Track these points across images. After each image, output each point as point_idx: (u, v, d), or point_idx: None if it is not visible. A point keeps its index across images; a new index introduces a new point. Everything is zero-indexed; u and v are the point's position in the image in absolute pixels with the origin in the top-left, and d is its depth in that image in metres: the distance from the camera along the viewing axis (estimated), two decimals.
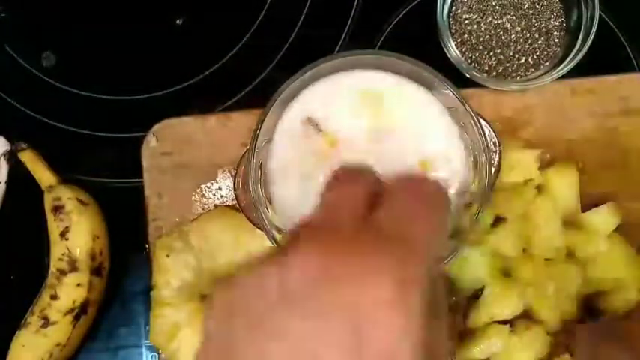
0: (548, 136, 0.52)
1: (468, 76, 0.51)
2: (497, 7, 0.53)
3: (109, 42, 0.57)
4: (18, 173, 0.52)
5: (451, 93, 0.41)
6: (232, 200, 0.51)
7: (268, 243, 0.41)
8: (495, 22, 0.53)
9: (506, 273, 0.49)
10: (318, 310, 0.21)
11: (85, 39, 0.57)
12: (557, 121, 0.52)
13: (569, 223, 0.49)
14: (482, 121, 0.42)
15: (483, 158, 0.41)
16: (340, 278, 0.22)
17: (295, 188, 0.41)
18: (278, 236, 0.41)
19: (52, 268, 0.50)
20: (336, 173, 0.28)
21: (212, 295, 0.24)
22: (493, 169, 0.42)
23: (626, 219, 0.50)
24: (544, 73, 0.52)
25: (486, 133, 0.42)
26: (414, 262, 0.23)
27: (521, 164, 0.49)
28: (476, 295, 0.49)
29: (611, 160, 0.52)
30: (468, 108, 0.41)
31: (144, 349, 0.53)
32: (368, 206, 0.26)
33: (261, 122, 0.41)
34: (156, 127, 0.52)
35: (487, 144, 0.41)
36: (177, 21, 0.57)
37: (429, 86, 0.42)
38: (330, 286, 0.22)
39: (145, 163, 0.52)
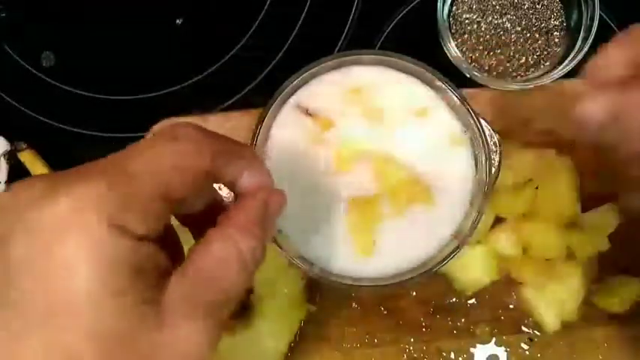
0: (548, 136, 0.52)
1: (468, 76, 0.51)
2: (497, 7, 0.53)
3: (108, 42, 0.57)
4: (18, 173, 0.52)
5: (451, 93, 0.41)
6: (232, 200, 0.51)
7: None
8: (495, 22, 0.53)
9: (506, 273, 0.49)
10: None
11: (85, 39, 0.57)
12: (557, 121, 0.52)
13: (569, 223, 0.49)
14: (482, 121, 0.42)
15: (483, 158, 0.41)
16: None
17: (292, 181, 0.41)
18: (278, 236, 0.41)
19: None
20: None
21: None
22: (493, 169, 0.42)
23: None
24: (544, 73, 0.52)
25: (486, 133, 0.42)
26: None
27: (521, 164, 0.49)
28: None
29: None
30: (468, 108, 0.41)
31: None
32: None
33: (261, 122, 0.41)
34: (156, 127, 0.52)
35: (487, 144, 0.41)
36: (177, 21, 0.57)
37: (429, 85, 0.42)
38: None
39: None
